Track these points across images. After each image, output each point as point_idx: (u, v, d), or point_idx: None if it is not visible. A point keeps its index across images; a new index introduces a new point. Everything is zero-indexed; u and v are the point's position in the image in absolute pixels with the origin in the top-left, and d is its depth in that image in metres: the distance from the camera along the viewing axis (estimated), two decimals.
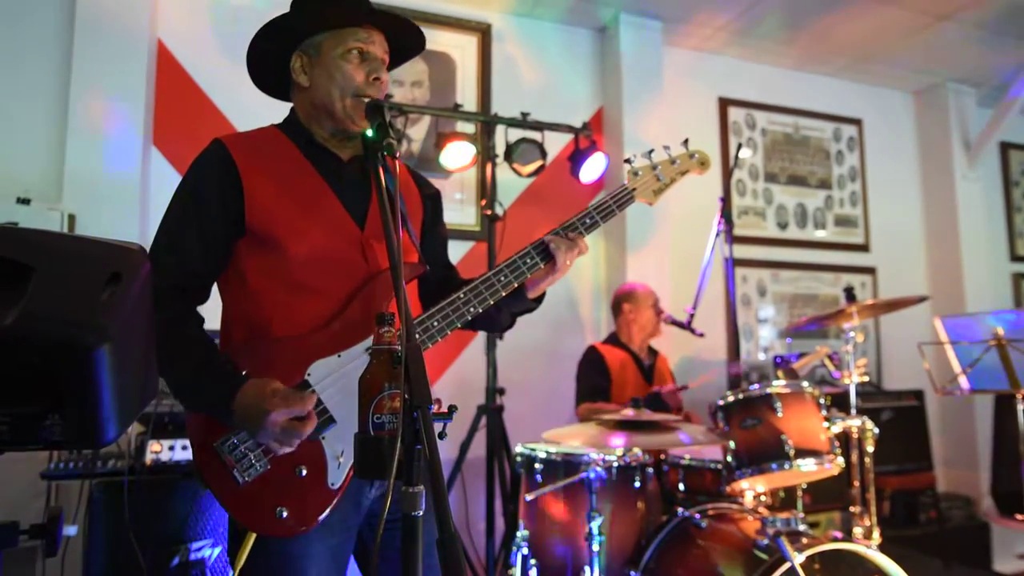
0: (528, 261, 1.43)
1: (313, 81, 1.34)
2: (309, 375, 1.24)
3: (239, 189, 1.26)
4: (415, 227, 1.46)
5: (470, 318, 1.36)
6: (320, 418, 1.21)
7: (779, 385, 2.32)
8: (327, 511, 1.22)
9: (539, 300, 1.54)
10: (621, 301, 3.19)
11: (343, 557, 1.30)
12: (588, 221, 1.51)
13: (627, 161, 1.59)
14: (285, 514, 1.20)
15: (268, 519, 1.20)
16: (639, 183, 1.58)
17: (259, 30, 1.36)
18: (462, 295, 1.35)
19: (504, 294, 1.39)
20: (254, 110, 3.16)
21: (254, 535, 1.23)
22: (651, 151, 1.61)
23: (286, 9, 1.36)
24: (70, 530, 2.34)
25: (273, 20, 1.35)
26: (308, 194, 1.31)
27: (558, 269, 1.44)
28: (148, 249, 1.28)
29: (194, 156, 1.33)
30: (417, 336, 1.31)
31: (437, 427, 0.89)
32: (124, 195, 2.89)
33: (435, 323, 1.32)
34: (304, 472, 1.21)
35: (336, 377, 1.25)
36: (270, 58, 1.38)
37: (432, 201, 1.54)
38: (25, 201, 2.62)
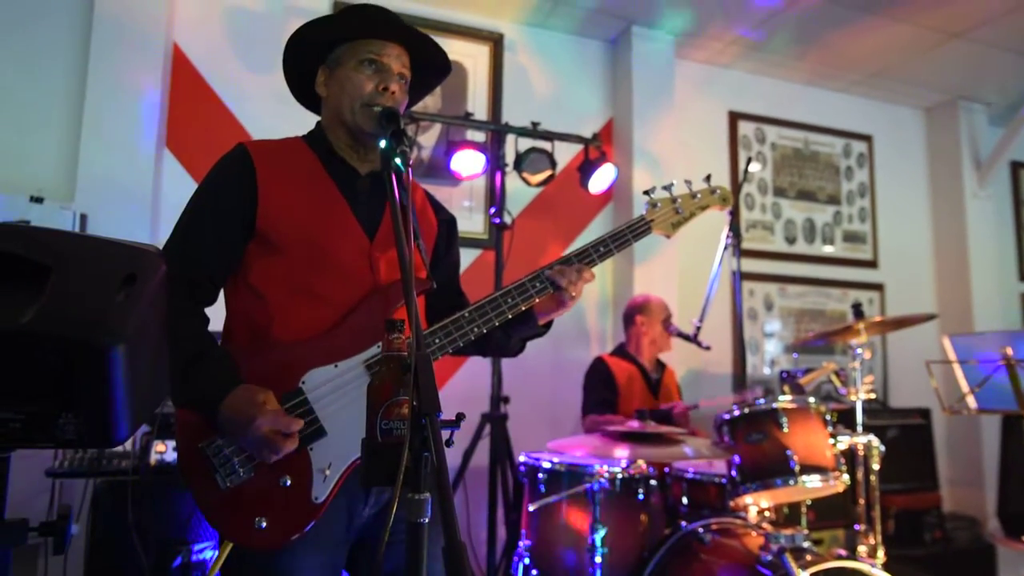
0: (538, 285, 1.42)
1: (330, 92, 1.37)
2: (303, 383, 1.23)
3: (254, 192, 1.28)
4: (428, 248, 1.47)
5: (473, 337, 1.35)
6: (310, 428, 1.20)
7: (785, 400, 2.31)
8: (308, 526, 1.19)
9: (547, 326, 1.53)
10: (635, 313, 3.16)
11: (333, 573, 1.28)
12: (602, 249, 1.50)
13: (646, 193, 1.59)
14: (264, 524, 1.17)
15: (246, 528, 1.18)
16: (657, 215, 1.58)
17: (288, 44, 1.39)
18: (467, 314, 1.35)
19: (510, 316, 1.38)
20: (267, 115, 3.21)
21: (231, 544, 1.21)
22: (671, 184, 1.62)
23: (299, 16, 1.38)
24: (72, 528, 2.34)
25: (297, 32, 1.37)
26: (321, 202, 1.32)
27: (565, 299, 1.44)
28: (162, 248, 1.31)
29: (207, 160, 1.36)
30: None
31: (444, 435, 0.89)
32: (136, 197, 2.91)
33: (436, 340, 1.32)
34: (288, 483, 1.19)
35: (331, 387, 1.24)
36: (304, 73, 1.41)
37: (447, 226, 1.55)
38: (38, 199, 2.65)
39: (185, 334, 1.24)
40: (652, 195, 1.59)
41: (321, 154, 1.37)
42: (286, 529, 1.18)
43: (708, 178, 1.68)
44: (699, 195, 1.64)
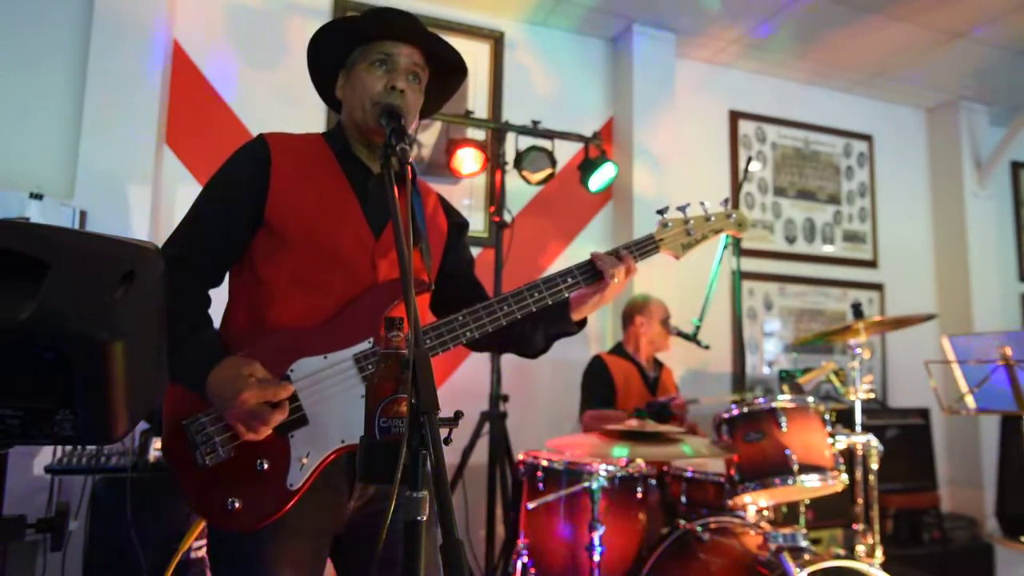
0: (569, 280, 1.42)
1: (345, 94, 1.39)
2: (292, 371, 1.24)
3: (267, 183, 1.30)
4: (436, 251, 1.47)
5: (504, 322, 1.35)
6: (293, 415, 1.22)
7: (784, 400, 2.31)
8: (281, 512, 1.20)
9: (581, 324, 1.51)
10: (634, 312, 3.16)
11: (318, 562, 1.30)
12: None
13: (660, 212, 1.56)
14: (236, 506, 1.19)
15: (218, 509, 1.20)
16: (667, 235, 1.56)
17: (309, 50, 1.40)
18: (495, 304, 1.35)
19: (535, 309, 1.38)
20: (267, 112, 3.21)
21: (203, 523, 1.24)
22: (686, 205, 1.60)
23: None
24: (70, 525, 2.34)
25: (316, 37, 1.38)
26: (331, 196, 1.34)
27: (606, 286, 1.43)
28: (170, 235, 1.32)
29: (206, 157, 1.38)
30: (442, 335, 1.31)
31: (442, 433, 0.89)
32: (136, 193, 2.91)
33: (459, 318, 1.33)
34: (265, 466, 1.20)
35: (318, 378, 1.25)
36: (327, 79, 1.43)
37: (456, 229, 1.56)
38: (38, 196, 2.65)
39: (179, 314, 1.24)
40: (665, 215, 1.56)
41: (338, 151, 1.39)
42: (258, 513, 1.20)
43: (726, 201, 1.65)
44: (713, 218, 1.62)
